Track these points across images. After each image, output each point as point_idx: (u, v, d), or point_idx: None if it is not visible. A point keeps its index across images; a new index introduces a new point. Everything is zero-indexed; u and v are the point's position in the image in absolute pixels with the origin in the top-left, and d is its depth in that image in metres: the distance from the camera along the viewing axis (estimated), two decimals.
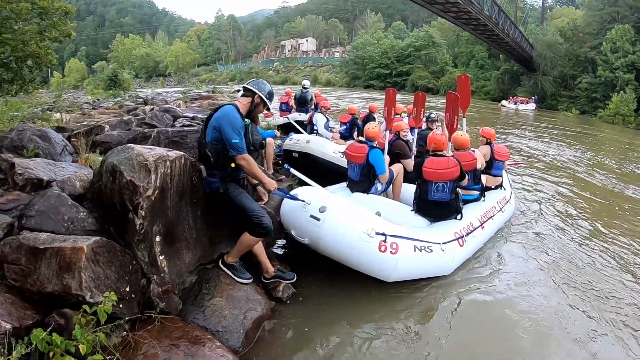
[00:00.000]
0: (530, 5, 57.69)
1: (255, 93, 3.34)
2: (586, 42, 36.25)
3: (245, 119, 3.30)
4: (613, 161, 12.44)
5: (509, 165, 7.19)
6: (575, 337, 3.35)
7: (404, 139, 5.78)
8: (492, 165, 5.69)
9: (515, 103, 34.97)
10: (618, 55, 31.53)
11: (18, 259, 2.58)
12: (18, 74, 10.54)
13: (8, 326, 2.20)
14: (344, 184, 5.20)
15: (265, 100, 3.37)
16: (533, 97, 36.26)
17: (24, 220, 2.93)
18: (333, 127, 8.21)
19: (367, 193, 4.84)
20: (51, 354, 2.17)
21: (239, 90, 5.41)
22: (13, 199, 3.22)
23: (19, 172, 3.50)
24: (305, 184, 4.16)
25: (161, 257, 3.04)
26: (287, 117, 9.98)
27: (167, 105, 11.20)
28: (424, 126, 7.12)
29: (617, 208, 7.26)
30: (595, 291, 4.10)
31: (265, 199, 3.76)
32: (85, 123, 7.39)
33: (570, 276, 4.38)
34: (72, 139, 5.40)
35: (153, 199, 2.96)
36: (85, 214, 3.11)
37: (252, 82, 3.41)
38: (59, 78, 74.67)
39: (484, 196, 5.28)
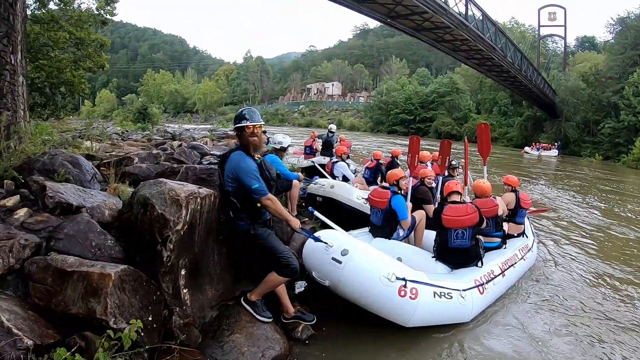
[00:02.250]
0: (553, 51, 57.85)
1: (235, 129, 3.37)
2: (609, 86, 35.74)
3: (255, 157, 3.36)
4: (636, 209, 12.17)
5: (531, 212, 7.15)
6: None
7: (429, 185, 5.87)
8: (517, 213, 5.72)
9: (538, 149, 34.79)
10: None
11: (44, 278, 2.66)
12: (51, 99, 11.11)
13: (30, 342, 2.26)
14: (367, 229, 5.23)
15: (244, 124, 3.31)
16: (556, 144, 35.93)
17: (52, 242, 3.01)
18: (356, 171, 8.21)
19: (389, 239, 4.86)
20: None
21: (265, 132, 5.53)
22: (42, 221, 3.29)
23: (50, 195, 3.57)
24: (328, 227, 4.17)
25: (185, 290, 3.10)
26: (312, 161, 10.03)
27: (195, 142, 11.39)
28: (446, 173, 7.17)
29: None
30: (613, 343, 4.00)
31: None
32: (114, 153, 7.51)
33: (591, 329, 4.26)
34: (102, 168, 5.48)
35: (182, 233, 3.05)
36: (112, 242, 3.19)
37: (231, 127, 3.43)
38: (89, 107, 77.65)
39: (506, 244, 5.29)
